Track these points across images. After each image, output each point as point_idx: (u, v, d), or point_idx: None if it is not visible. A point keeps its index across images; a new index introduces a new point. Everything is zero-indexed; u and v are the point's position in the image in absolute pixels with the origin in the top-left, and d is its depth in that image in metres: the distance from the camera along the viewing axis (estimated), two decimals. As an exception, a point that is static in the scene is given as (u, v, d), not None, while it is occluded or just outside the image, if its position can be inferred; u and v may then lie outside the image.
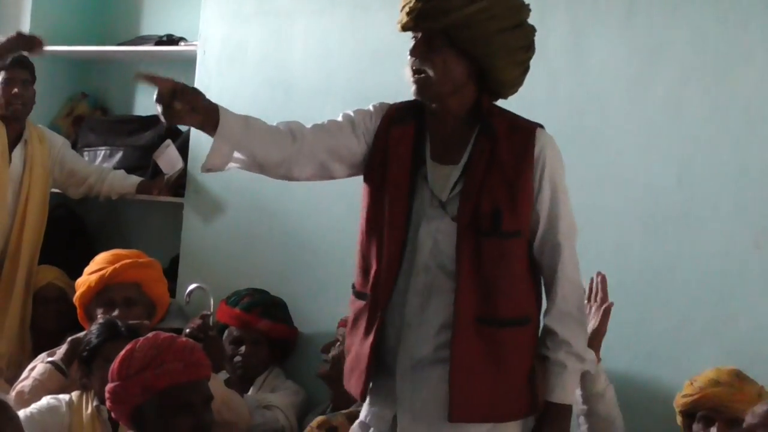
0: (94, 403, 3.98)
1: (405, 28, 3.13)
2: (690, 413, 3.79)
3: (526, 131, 3.14)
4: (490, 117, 3.17)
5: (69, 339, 4.37)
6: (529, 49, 3.21)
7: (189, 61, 5.49)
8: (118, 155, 5.65)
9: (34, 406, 3.95)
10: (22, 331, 5.11)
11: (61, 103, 6.12)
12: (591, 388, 3.50)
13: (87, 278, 4.63)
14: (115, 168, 5.51)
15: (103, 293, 4.52)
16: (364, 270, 3.23)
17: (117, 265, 4.55)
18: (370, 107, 3.30)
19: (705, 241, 4.22)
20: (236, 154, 3.13)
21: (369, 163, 3.24)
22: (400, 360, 3.15)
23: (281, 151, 3.15)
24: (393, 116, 3.25)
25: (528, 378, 3.18)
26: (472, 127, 3.16)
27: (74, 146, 5.64)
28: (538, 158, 3.11)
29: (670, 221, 4.28)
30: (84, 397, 4.05)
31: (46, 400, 3.99)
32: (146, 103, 5.85)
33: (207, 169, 3.17)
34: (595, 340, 3.38)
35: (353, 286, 3.30)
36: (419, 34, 3.11)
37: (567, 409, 3.18)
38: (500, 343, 3.10)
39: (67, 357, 4.30)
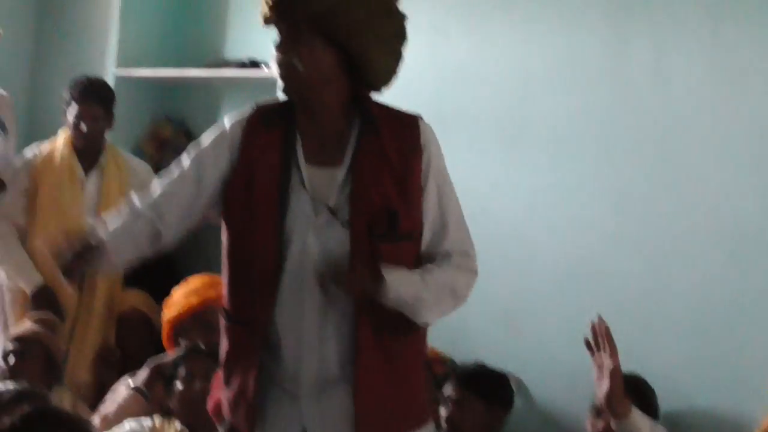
0: (179, 429, 4.08)
1: (267, 21, 3.06)
2: None
3: (409, 123, 3.11)
4: (369, 110, 3.12)
5: (151, 366, 4.50)
6: (402, 37, 3.12)
7: (270, 86, 5.17)
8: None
9: (116, 431, 4.06)
10: (103, 355, 5.16)
11: (145, 126, 6.22)
12: None
13: (185, 300, 4.72)
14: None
15: (203, 315, 4.59)
16: (235, 294, 3.18)
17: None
18: (216, 132, 3.23)
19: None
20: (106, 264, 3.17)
21: (232, 187, 3.15)
22: (304, 383, 3.08)
23: (151, 244, 3.18)
24: (254, 124, 3.17)
25: (422, 386, 3.21)
26: (351, 123, 3.10)
27: (158, 170, 5.41)
28: (424, 151, 3.08)
29: (758, 251, 4.20)
30: (166, 421, 4.13)
31: (128, 425, 4.08)
32: None
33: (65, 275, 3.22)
34: (613, 400, 3.27)
35: (225, 312, 3.20)
36: (283, 27, 3.04)
37: (384, 288, 2.95)
38: (400, 353, 3.09)
39: (149, 381, 4.41)
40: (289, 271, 3.03)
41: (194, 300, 4.66)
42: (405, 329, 3.08)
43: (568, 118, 4.73)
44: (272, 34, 3.11)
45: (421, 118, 3.14)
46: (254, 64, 5.78)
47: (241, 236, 3.13)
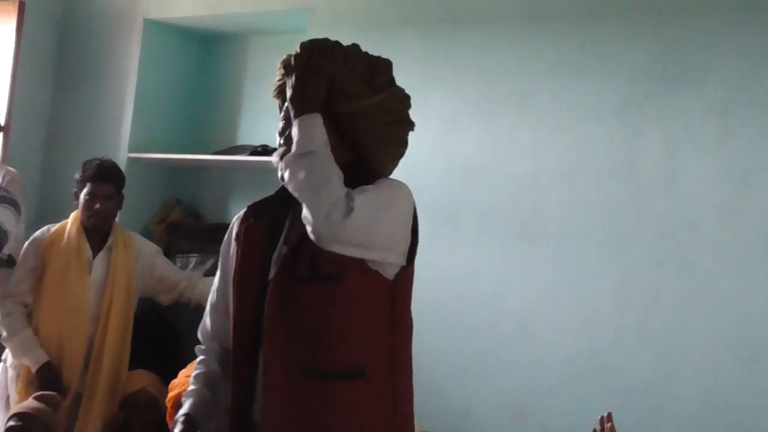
0: None
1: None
2: None
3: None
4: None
5: None
6: (405, 144, 3.12)
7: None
8: (210, 262, 5.65)
9: None
10: None
11: (155, 209, 6.22)
12: None
13: (186, 380, 4.54)
14: (206, 275, 5.51)
15: None
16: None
17: None
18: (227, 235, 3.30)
19: None
20: None
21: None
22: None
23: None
24: (251, 212, 3.18)
25: None
26: None
27: (167, 252, 5.71)
28: None
29: (764, 349, 4.22)
30: None
31: None
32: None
33: None
34: None
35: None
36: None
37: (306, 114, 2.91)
38: (323, 397, 2.98)
39: None
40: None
41: None
42: (331, 375, 2.98)
43: (576, 213, 4.76)
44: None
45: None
46: (266, 150, 5.78)
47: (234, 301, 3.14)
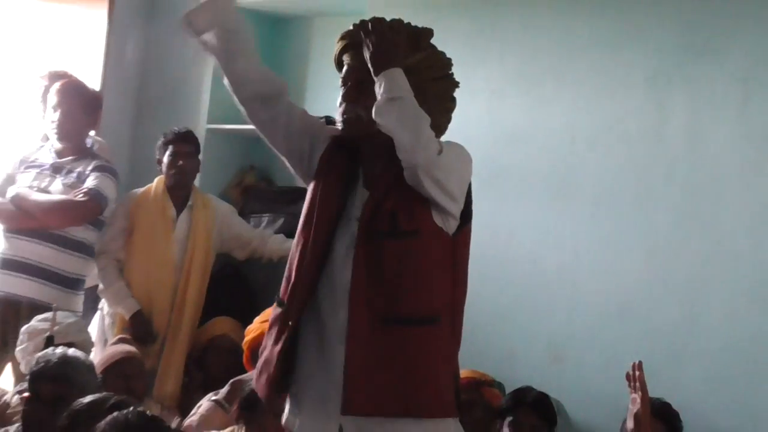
0: None
1: (349, 78, 3.23)
2: None
3: None
4: None
5: (232, 381, 4.62)
6: (453, 100, 3.26)
7: None
8: (280, 221, 5.76)
9: None
10: (184, 372, 5.24)
11: (231, 175, 6.33)
12: None
13: (261, 326, 4.68)
14: (276, 233, 5.63)
15: None
16: (287, 279, 3.27)
17: None
18: (328, 129, 3.43)
19: None
20: (219, 35, 3.24)
21: (314, 177, 3.31)
22: (324, 365, 3.16)
23: (267, 81, 3.38)
24: (336, 143, 3.30)
25: (439, 379, 3.12)
26: (391, 154, 3.07)
27: (242, 213, 5.82)
28: None
29: (758, 287, 4.36)
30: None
31: None
32: None
33: (188, 20, 3.26)
34: (643, 427, 3.35)
35: (278, 294, 3.32)
36: (353, 81, 3.20)
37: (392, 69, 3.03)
38: (402, 341, 3.10)
39: (229, 396, 4.52)
40: (327, 269, 3.19)
41: (266, 327, 4.70)
42: (407, 321, 3.09)
43: (609, 173, 4.87)
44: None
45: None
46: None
47: (303, 227, 3.30)
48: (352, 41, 3.22)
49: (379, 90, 3.01)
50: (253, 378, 3.37)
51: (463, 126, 3.28)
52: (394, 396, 3.09)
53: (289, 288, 3.24)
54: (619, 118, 4.88)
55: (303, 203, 3.41)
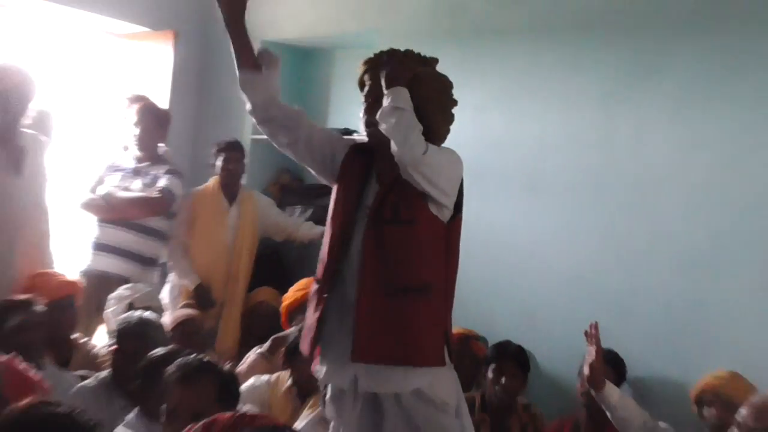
0: (288, 383, 4.19)
1: (369, 96, 3.24)
2: (699, 401, 3.93)
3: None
4: None
5: (273, 337, 4.70)
6: (452, 114, 3.24)
7: None
8: (310, 211, 5.72)
9: (245, 384, 4.15)
10: (239, 330, 5.27)
11: (270, 175, 6.34)
12: (608, 404, 3.40)
13: (294, 294, 4.82)
14: (307, 221, 5.62)
15: (305, 305, 4.53)
16: (321, 261, 3.28)
17: None
18: (345, 140, 3.43)
19: (724, 284, 4.27)
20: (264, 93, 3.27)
21: (337, 180, 3.32)
22: (343, 325, 3.17)
23: (287, 117, 3.32)
24: (356, 148, 3.34)
25: (428, 336, 3.15)
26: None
27: (279, 205, 5.80)
28: None
29: (702, 265, 4.35)
30: (282, 378, 4.25)
31: (252, 380, 4.25)
32: None
33: (245, 80, 3.29)
34: (596, 373, 3.31)
35: (317, 275, 3.30)
36: (372, 96, 3.21)
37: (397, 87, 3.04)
38: (401, 305, 3.11)
39: (271, 348, 4.64)
40: (352, 249, 3.19)
41: (300, 294, 4.71)
42: (404, 289, 3.10)
43: (570, 173, 4.85)
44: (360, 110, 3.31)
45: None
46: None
47: (332, 218, 3.30)
48: (371, 66, 3.24)
49: (386, 101, 3.03)
50: (301, 338, 3.37)
51: (453, 135, 3.23)
52: (393, 348, 3.11)
53: (323, 268, 3.25)
54: (579, 128, 4.87)
55: (328, 196, 3.50)
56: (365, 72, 3.29)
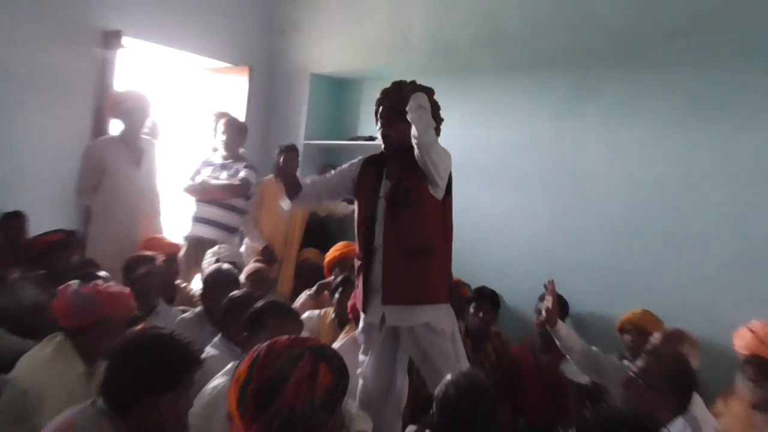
0: (332, 316, 4.17)
1: (383, 115, 3.22)
2: (620, 330, 3.96)
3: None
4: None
5: (318, 283, 4.69)
6: (438, 128, 3.20)
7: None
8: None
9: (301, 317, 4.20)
10: (293, 279, 5.23)
11: (317, 169, 6.17)
12: (558, 336, 3.32)
13: (333, 253, 4.76)
14: (342, 201, 5.26)
15: (343, 261, 4.64)
16: (357, 242, 3.30)
17: (350, 248, 4.61)
18: (355, 161, 3.44)
19: (638, 248, 4.24)
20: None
21: (356, 188, 3.34)
22: (375, 281, 3.20)
23: (308, 199, 3.44)
24: (367, 162, 3.35)
25: (433, 283, 3.16)
26: (408, 157, 3.12)
27: None
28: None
29: (627, 234, 4.32)
30: (327, 312, 4.24)
31: (306, 314, 4.22)
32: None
33: (293, 204, 3.41)
34: (551, 314, 3.25)
35: (357, 254, 3.32)
36: (385, 117, 3.20)
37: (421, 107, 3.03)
38: (414, 264, 3.13)
39: (317, 293, 4.64)
40: (377, 229, 3.21)
41: (338, 253, 4.72)
42: (415, 253, 3.13)
43: (529, 170, 4.81)
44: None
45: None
46: (371, 138, 5.84)
47: (358, 209, 3.32)
48: (384, 96, 3.25)
49: (413, 102, 3.02)
50: (357, 299, 3.38)
51: (446, 143, 3.17)
52: (409, 293, 3.15)
53: (359, 248, 3.29)
54: (535, 138, 4.82)
55: None
56: (379, 101, 3.27)
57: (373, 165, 3.34)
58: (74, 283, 2.73)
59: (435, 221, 3.21)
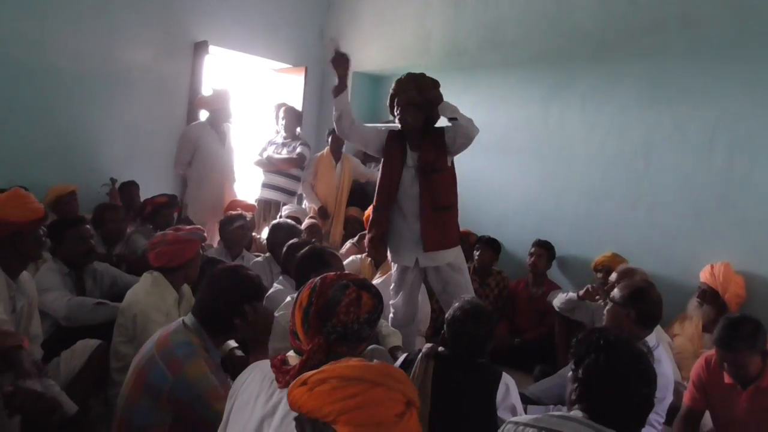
0: (369, 260, 4.06)
1: (400, 103, 3.11)
2: (595, 269, 3.92)
3: (439, 131, 3.12)
4: (429, 130, 3.13)
5: (359, 234, 4.62)
6: (445, 110, 3.10)
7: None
8: (379, 165, 5.53)
9: (346, 261, 4.11)
10: (341, 231, 5.09)
11: (356, 150, 5.95)
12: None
13: (370, 211, 4.76)
14: (375, 168, 5.33)
15: None
16: (378, 197, 3.22)
17: None
18: (382, 129, 3.33)
19: (608, 204, 4.22)
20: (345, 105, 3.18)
21: (384, 154, 3.23)
22: (409, 231, 3.15)
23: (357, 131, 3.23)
24: (391, 137, 3.24)
25: (454, 232, 3.16)
26: (422, 135, 3.12)
27: (362, 162, 5.49)
28: (448, 133, 3.08)
29: (593, 192, 4.29)
30: (365, 257, 4.09)
31: (350, 258, 4.17)
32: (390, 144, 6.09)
33: (343, 95, 3.18)
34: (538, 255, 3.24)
35: (375, 208, 3.24)
36: (403, 105, 3.11)
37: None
38: (441, 216, 3.12)
39: (358, 241, 4.56)
40: (400, 191, 3.17)
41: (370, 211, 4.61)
42: (442, 208, 3.11)
43: (523, 143, 4.73)
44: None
45: (443, 128, 3.12)
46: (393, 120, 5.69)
47: (384, 175, 3.25)
48: (400, 88, 3.15)
49: (449, 110, 3.05)
50: (370, 243, 3.32)
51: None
52: (440, 240, 3.13)
53: (382, 201, 3.23)
54: (527, 118, 4.72)
55: None
56: (397, 90, 3.16)
57: (396, 140, 3.24)
58: (162, 233, 2.73)
59: (452, 183, 3.19)
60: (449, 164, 3.15)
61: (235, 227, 3.85)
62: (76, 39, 4.59)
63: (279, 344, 2.34)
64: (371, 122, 5.97)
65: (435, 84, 3.15)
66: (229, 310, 1.98)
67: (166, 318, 2.52)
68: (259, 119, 6.11)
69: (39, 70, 4.43)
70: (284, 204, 5.05)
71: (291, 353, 1.49)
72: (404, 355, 2.37)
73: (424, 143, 3.13)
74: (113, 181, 4.60)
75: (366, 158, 5.72)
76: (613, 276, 3.26)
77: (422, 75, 3.18)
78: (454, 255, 3.17)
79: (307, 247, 2.79)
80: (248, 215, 4.13)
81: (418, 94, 3.06)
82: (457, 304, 2.30)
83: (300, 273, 2.65)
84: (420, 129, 3.15)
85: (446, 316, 2.33)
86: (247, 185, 5.48)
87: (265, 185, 5.21)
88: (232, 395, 1.51)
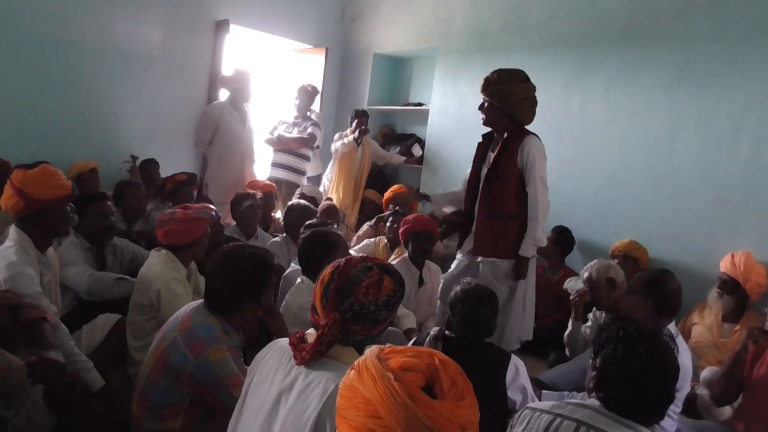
0: (385, 242, 4.14)
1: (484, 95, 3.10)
2: (612, 255, 3.90)
3: (521, 137, 3.06)
4: (511, 132, 3.08)
5: (377, 216, 4.62)
6: (534, 104, 3.10)
7: (426, 114, 5.42)
8: (398, 149, 5.55)
9: (362, 243, 4.19)
10: (358, 213, 5.15)
11: (378, 129, 6.05)
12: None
13: (388, 194, 4.68)
14: (396, 154, 5.50)
15: (396, 198, 4.56)
16: (467, 199, 3.26)
17: (401, 189, 4.58)
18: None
19: (628, 189, 4.12)
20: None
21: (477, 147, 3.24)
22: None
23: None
24: (484, 136, 3.24)
25: (513, 243, 3.06)
26: (504, 138, 3.07)
27: (381, 145, 5.60)
28: (523, 149, 3.01)
29: (614, 178, 4.21)
30: (382, 239, 4.20)
31: (365, 241, 4.23)
32: (410, 130, 6.05)
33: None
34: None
35: (465, 198, 3.25)
36: (482, 101, 3.11)
37: (525, 259, 3.03)
38: (500, 225, 3.07)
39: (375, 223, 4.56)
40: (480, 187, 3.15)
41: (390, 194, 4.63)
42: (499, 216, 3.07)
43: (544, 128, 4.15)
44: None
45: (527, 136, 3.05)
46: (419, 104, 5.67)
47: (471, 168, 3.25)
48: (484, 87, 3.10)
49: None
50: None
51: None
52: (488, 246, 3.11)
53: (467, 193, 3.25)
54: (549, 103, 4.53)
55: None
56: (482, 87, 3.10)
57: (485, 139, 3.23)
58: (171, 212, 2.72)
59: (517, 194, 3.08)
60: (518, 176, 3.06)
61: (245, 207, 3.88)
62: (98, 16, 4.61)
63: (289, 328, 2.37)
64: (389, 104, 6.15)
65: (517, 74, 3.06)
66: (237, 296, 1.98)
67: (185, 290, 2.54)
68: (279, 99, 6.11)
69: (62, 47, 4.45)
70: (290, 183, 5.03)
71: (310, 330, 1.51)
72: (414, 339, 2.36)
73: (500, 147, 3.09)
74: (134, 158, 4.62)
75: (385, 141, 5.72)
76: (585, 275, 3.19)
77: (506, 72, 3.07)
78: (505, 266, 3.08)
79: (308, 232, 2.77)
80: (259, 194, 4.13)
81: (496, 95, 3.00)
82: (458, 287, 2.28)
83: (304, 255, 2.63)
84: (500, 130, 3.12)
85: (448, 299, 2.31)
86: (260, 164, 5.52)
87: (275, 164, 5.20)
88: (252, 371, 1.55)
